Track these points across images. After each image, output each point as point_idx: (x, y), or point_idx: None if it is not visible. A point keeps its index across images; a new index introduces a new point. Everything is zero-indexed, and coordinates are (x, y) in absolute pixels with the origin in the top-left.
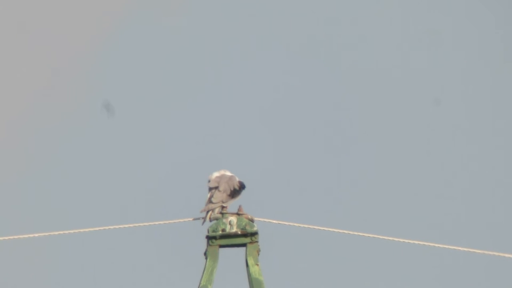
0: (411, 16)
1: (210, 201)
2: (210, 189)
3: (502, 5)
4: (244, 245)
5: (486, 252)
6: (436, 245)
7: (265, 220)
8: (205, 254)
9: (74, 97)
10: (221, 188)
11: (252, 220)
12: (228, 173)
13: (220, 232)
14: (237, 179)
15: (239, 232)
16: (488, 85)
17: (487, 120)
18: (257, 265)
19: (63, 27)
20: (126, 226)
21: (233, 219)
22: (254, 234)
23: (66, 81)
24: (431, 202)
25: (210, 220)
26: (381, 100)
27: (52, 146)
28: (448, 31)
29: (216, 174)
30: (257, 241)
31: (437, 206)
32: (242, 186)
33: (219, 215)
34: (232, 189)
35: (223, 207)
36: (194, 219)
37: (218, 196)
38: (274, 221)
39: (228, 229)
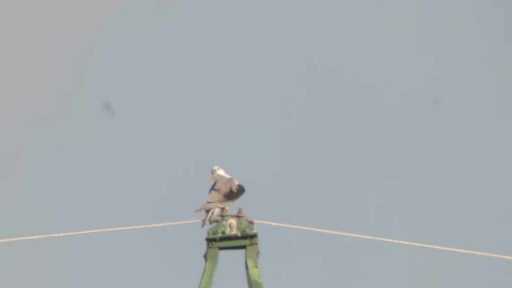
0: (412, 16)
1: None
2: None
3: (503, 5)
4: (243, 247)
5: (486, 253)
6: (437, 247)
7: (265, 222)
8: (205, 256)
9: (74, 97)
10: (217, 187)
11: (251, 223)
12: (227, 175)
13: (220, 234)
14: (236, 182)
15: (239, 234)
16: (488, 85)
17: (487, 120)
18: (257, 267)
19: (61, 24)
20: (126, 228)
21: (233, 221)
22: (254, 236)
23: (66, 81)
24: (432, 203)
25: (210, 223)
26: (381, 101)
27: (52, 147)
28: (449, 31)
29: (220, 172)
30: (256, 243)
31: (438, 207)
32: (241, 190)
33: (219, 218)
34: (228, 190)
35: (223, 210)
36: (202, 221)
37: (213, 196)
38: (274, 224)
39: (228, 231)
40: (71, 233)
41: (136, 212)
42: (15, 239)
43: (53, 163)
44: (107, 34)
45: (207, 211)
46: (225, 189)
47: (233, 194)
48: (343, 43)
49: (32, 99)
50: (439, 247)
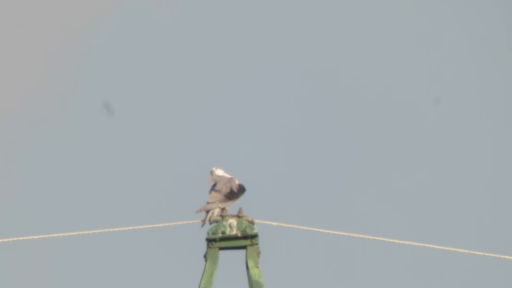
0: (412, 16)
1: (207, 202)
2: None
3: (503, 5)
4: (244, 247)
5: (486, 253)
6: (437, 247)
7: (265, 222)
8: (205, 256)
9: (74, 97)
10: (217, 188)
11: (252, 223)
12: (227, 175)
13: (220, 234)
14: (237, 181)
15: (239, 235)
16: (489, 85)
17: (487, 120)
18: (257, 267)
19: (61, 24)
20: (126, 228)
21: (233, 221)
22: (254, 236)
23: (66, 81)
24: (432, 203)
25: (210, 223)
26: (381, 101)
27: (52, 147)
28: (448, 31)
29: (219, 172)
30: (257, 244)
31: (439, 207)
32: (242, 189)
33: (219, 218)
34: (229, 190)
35: (223, 210)
36: (202, 221)
37: (214, 196)
38: (274, 223)
39: (228, 232)
40: (71, 233)
41: (136, 212)
42: (15, 239)
43: (53, 163)
44: (107, 34)
45: (207, 211)
46: (225, 189)
47: (233, 194)
48: (343, 43)
49: (32, 99)
50: (439, 247)
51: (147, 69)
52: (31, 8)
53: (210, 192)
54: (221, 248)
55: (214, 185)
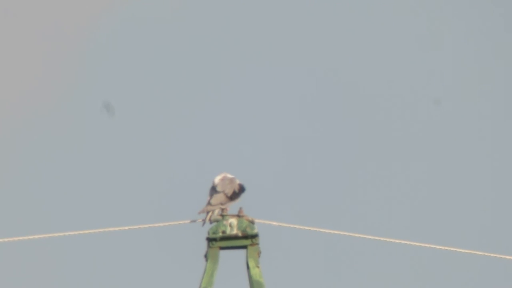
0: (412, 16)
1: (209, 203)
2: (211, 191)
3: (503, 5)
4: (244, 247)
5: (486, 253)
6: (437, 247)
7: (266, 222)
8: (205, 256)
9: (74, 97)
10: (220, 190)
11: (252, 222)
12: (229, 175)
13: (221, 234)
14: (237, 181)
15: (240, 234)
16: (489, 85)
17: (487, 120)
18: (258, 267)
19: (60, 24)
20: (126, 228)
21: (234, 221)
22: (255, 236)
23: (66, 81)
24: (432, 203)
25: (211, 222)
26: (381, 101)
27: (52, 147)
28: (449, 31)
29: (218, 178)
30: (257, 243)
31: (439, 207)
32: (241, 189)
33: (220, 217)
34: (231, 191)
35: (223, 209)
36: (191, 221)
37: (217, 198)
38: (275, 223)
39: (228, 231)
40: (71, 233)
41: (136, 212)
42: (15, 239)
43: (53, 163)
44: (107, 34)
45: (207, 212)
46: (229, 191)
47: (235, 194)
48: (343, 43)
49: (32, 98)
50: (439, 247)
51: (148, 69)
52: (30, 7)
53: (211, 193)
54: (221, 248)
55: (214, 186)
